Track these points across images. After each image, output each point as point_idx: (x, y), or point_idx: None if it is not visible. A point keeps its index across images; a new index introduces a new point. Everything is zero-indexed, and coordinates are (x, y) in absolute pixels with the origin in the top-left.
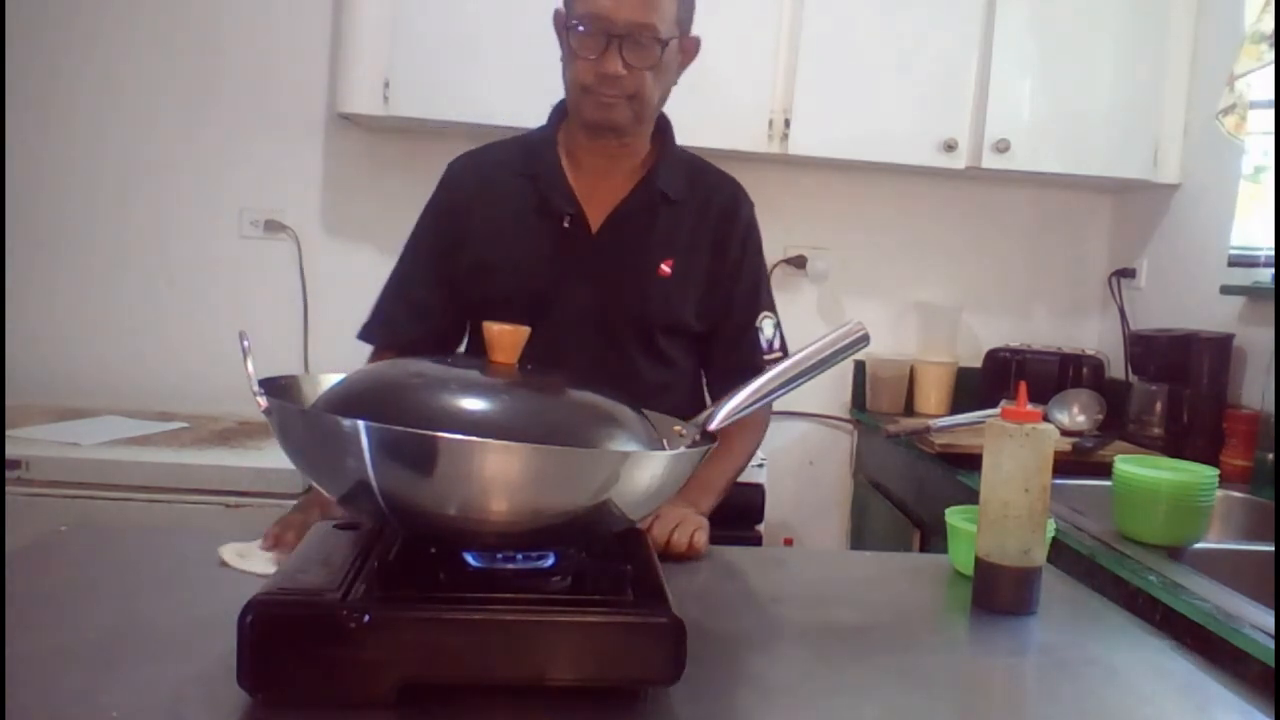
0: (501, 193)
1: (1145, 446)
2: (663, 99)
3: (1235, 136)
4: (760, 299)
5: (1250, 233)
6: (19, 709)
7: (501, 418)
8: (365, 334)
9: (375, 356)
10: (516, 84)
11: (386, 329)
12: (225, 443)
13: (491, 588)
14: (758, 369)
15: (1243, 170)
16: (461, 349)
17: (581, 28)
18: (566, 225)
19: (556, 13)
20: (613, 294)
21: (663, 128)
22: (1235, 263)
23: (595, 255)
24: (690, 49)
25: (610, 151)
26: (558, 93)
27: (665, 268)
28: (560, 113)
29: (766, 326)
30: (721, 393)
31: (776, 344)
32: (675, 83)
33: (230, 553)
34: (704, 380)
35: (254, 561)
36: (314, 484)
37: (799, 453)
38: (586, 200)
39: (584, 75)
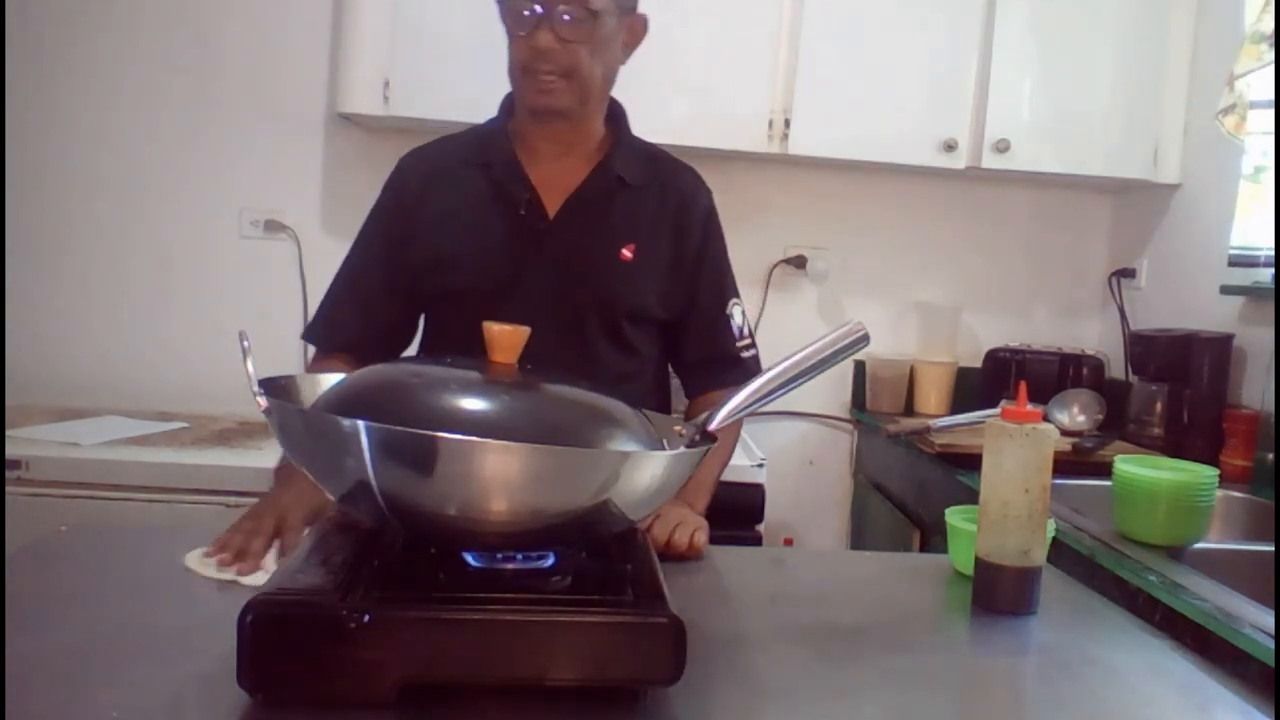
0: (454, 185)
1: (1145, 446)
2: (606, 78)
3: (1235, 136)
4: (728, 286)
5: (1250, 233)
6: (19, 709)
7: (501, 418)
8: (309, 334)
9: (319, 358)
10: None
11: (331, 329)
12: (225, 443)
13: (491, 588)
14: (733, 357)
15: (1243, 170)
16: (413, 345)
17: (513, 5)
18: (523, 213)
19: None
20: (574, 280)
21: (617, 114)
22: (1235, 263)
23: (554, 242)
24: (638, 29)
25: (562, 138)
26: None
27: (627, 252)
28: (511, 103)
29: (736, 313)
30: (697, 381)
31: (746, 331)
32: (622, 62)
33: (195, 559)
34: (672, 370)
35: (217, 568)
36: (317, 481)
37: (799, 453)
38: (542, 187)
39: (520, 55)
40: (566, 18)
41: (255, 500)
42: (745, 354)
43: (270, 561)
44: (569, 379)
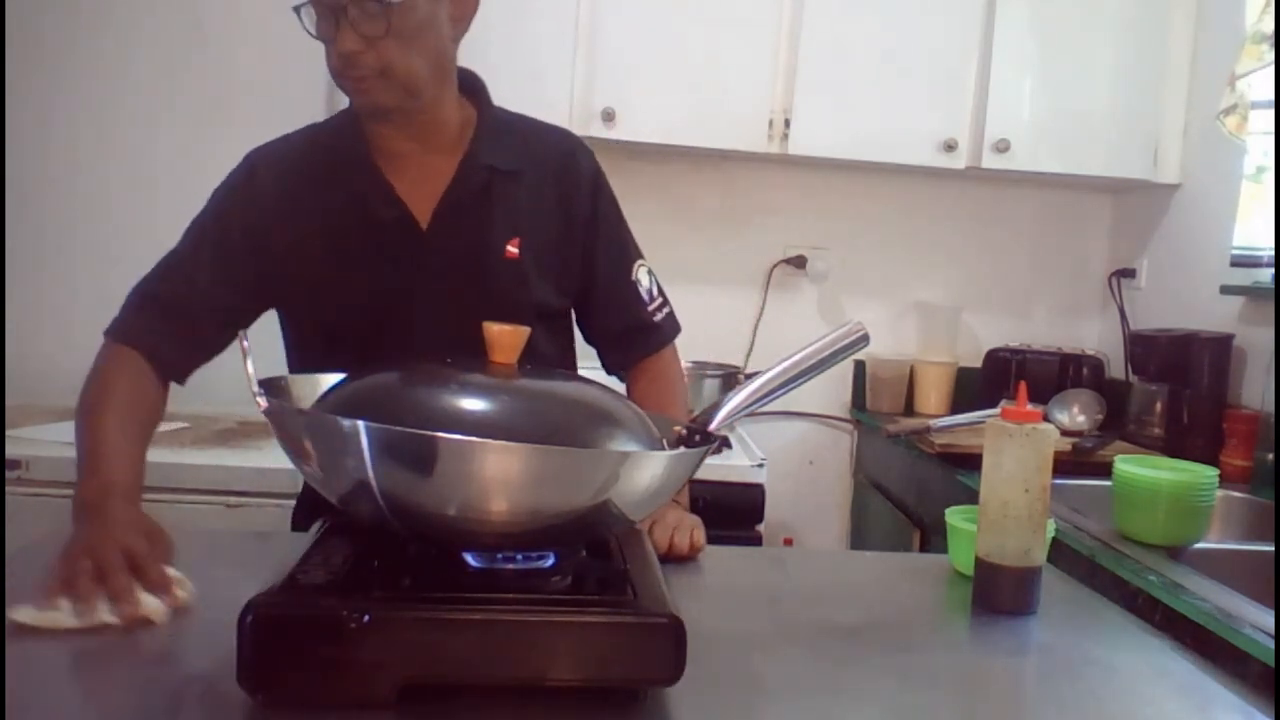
0: (316, 199)
1: (1145, 446)
2: (436, 64)
3: (1236, 136)
4: (628, 249)
5: (1253, 233)
6: (19, 709)
7: (501, 418)
8: (115, 329)
9: (111, 350)
10: (515, 83)
11: (140, 320)
12: (225, 443)
13: (491, 588)
14: (648, 323)
15: (1244, 170)
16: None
17: (310, 13)
18: (393, 229)
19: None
20: (464, 290)
21: (473, 90)
22: (1238, 263)
23: (433, 255)
24: (468, 2)
25: (415, 134)
26: (559, 90)
27: (512, 249)
28: None
29: (642, 276)
30: (616, 355)
31: (655, 291)
32: (456, 39)
33: (27, 614)
34: (591, 344)
35: (60, 616)
36: (316, 482)
37: (799, 453)
38: (409, 195)
39: (330, 60)
40: (358, 12)
41: (257, 501)
42: (659, 316)
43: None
44: (569, 379)
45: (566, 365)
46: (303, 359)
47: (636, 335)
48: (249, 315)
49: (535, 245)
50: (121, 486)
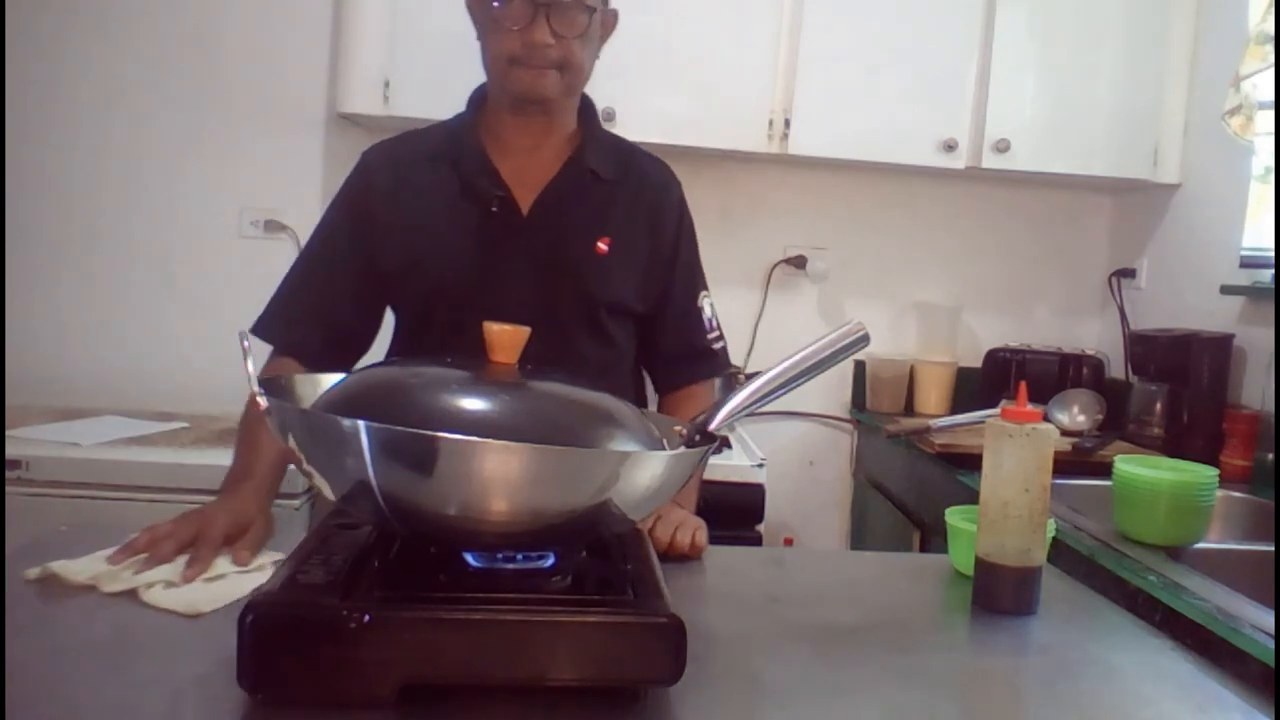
0: (422, 183)
1: (1145, 446)
2: (590, 70)
3: (1241, 137)
4: (698, 278)
5: (1259, 234)
6: (19, 709)
7: (501, 418)
8: (263, 330)
9: (272, 361)
10: None
11: (288, 328)
12: (225, 443)
13: (491, 588)
14: (705, 350)
15: (1253, 171)
16: (375, 349)
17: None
18: (495, 209)
19: None
20: (551, 276)
21: (586, 107)
22: (1247, 264)
23: (528, 238)
24: (609, 22)
25: (536, 131)
26: None
27: (602, 245)
28: (480, 99)
29: (706, 306)
30: (670, 376)
31: (715, 323)
32: (598, 56)
33: (85, 575)
34: (646, 363)
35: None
36: (317, 481)
37: (799, 453)
38: (514, 182)
39: (511, 46)
40: (560, 9)
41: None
42: (716, 345)
43: (171, 573)
44: (569, 379)
45: (636, 363)
46: (408, 347)
47: (694, 360)
48: (392, 305)
49: (623, 248)
50: (250, 476)
